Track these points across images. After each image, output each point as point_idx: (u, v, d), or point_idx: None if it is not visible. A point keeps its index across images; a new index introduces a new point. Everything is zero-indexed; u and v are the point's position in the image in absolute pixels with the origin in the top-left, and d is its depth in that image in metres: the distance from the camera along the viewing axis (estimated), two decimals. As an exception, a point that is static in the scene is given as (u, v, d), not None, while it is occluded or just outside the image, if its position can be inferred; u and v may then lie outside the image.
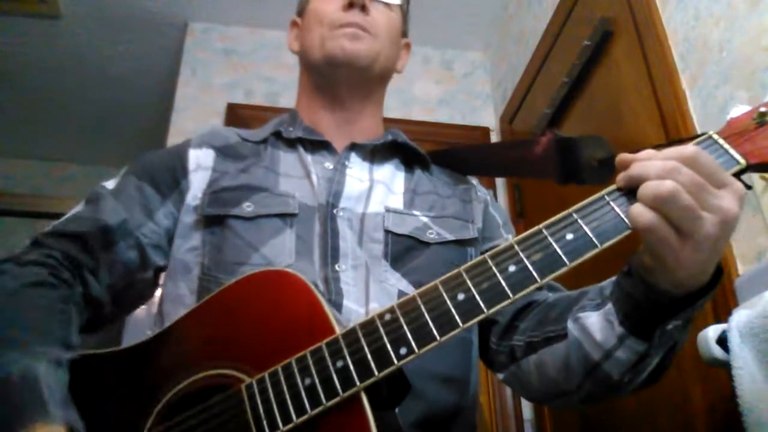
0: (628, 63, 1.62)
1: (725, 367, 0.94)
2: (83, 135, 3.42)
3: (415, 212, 0.91)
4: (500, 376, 0.87)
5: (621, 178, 0.60)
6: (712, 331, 0.99)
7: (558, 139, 0.86)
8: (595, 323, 0.68)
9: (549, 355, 0.75)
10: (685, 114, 1.35)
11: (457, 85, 2.76)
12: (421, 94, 2.68)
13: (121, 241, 0.84)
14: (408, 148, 1.02)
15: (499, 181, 2.44)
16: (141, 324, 1.75)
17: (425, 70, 2.75)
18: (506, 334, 0.85)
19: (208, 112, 2.44)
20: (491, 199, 1.04)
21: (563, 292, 0.85)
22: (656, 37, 1.49)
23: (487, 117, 2.68)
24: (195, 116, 2.42)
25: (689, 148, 0.58)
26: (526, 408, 2.08)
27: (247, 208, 0.85)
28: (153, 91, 3.04)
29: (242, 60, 2.64)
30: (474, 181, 1.06)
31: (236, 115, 2.38)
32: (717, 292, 1.15)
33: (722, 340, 0.96)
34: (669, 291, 0.60)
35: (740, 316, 0.93)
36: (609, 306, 0.67)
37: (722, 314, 1.09)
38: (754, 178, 1.11)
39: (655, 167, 0.57)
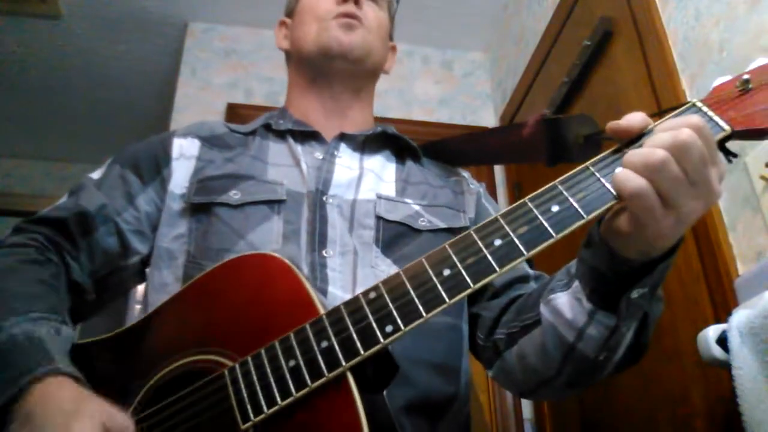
0: (628, 63, 1.62)
1: (725, 367, 0.94)
2: (83, 135, 3.42)
3: (407, 200, 0.91)
4: (490, 373, 0.87)
5: (646, 147, 0.57)
6: (712, 331, 0.99)
7: (545, 120, 0.86)
8: (565, 303, 0.68)
9: (527, 343, 0.76)
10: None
11: (457, 85, 2.76)
12: (421, 94, 2.68)
13: (101, 226, 0.85)
14: (398, 140, 1.03)
15: (499, 181, 2.44)
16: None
17: (425, 70, 2.75)
18: (491, 329, 0.85)
19: (208, 112, 2.44)
20: (484, 192, 1.04)
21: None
22: (656, 37, 1.49)
23: (487, 117, 2.68)
24: (195, 116, 2.42)
25: (695, 119, 0.57)
26: (526, 407, 2.08)
27: (234, 195, 0.85)
28: (153, 91, 3.04)
29: (242, 60, 2.64)
30: (465, 173, 1.06)
31: (236, 115, 2.38)
32: (717, 292, 1.17)
33: (722, 340, 0.96)
34: (632, 259, 0.60)
35: (740, 316, 0.93)
36: (576, 284, 0.67)
37: (722, 314, 1.09)
38: (754, 178, 1.11)
39: (675, 138, 0.55)
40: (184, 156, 0.92)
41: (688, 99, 1.36)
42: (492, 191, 2.33)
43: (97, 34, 2.75)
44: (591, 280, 0.64)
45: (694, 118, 0.57)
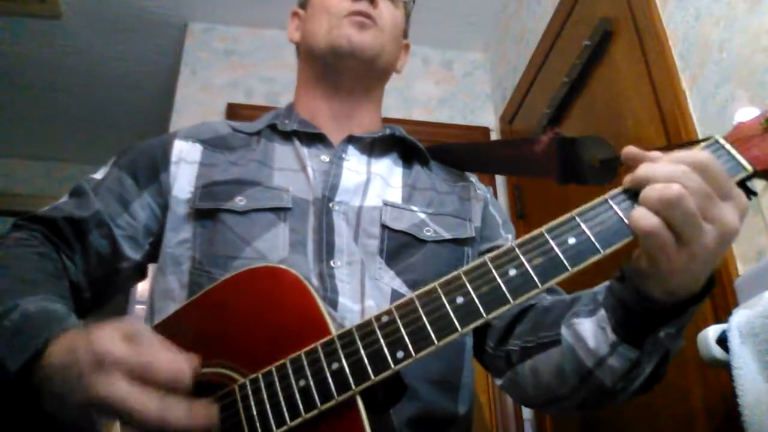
0: (628, 63, 1.62)
1: (725, 367, 0.94)
2: (83, 135, 3.42)
3: (413, 207, 0.90)
4: (498, 382, 0.86)
5: (628, 179, 0.59)
6: (712, 331, 0.99)
7: (560, 139, 0.85)
8: (588, 330, 0.68)
9: (543, 360, 0.75)
10: (685, 114, 1.35)
11: (457, 85, 2.76)
12: (421, 94, 2.68)
13: (94, 230, 0.84)
14: (407, 142, 1.01)
15: (499, 181, 2.44)
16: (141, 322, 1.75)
17: (425, 70, 2.75)
18: (503, 339, 0.84)
19: (208, 112, 2.44)
20: (491, 198, 1.03)
21: (560, 296, 0.84)
22: (656, 37, 1.49)
23: (487, 117, 2.68)
24: (195, 116, 2.42)
25: (701, 155, 0.57)
26: (526, 408, 2.08)
27: (240, 202, 0.84)
28: (153, 91, 3.04)
29: (242, 60, 2.64)
30: (473, 178, 1.05)
31: (236, 115, 2.38)
32: (717, 292, 1.17)
33: (722, 340, 0.96)
34: (661, 299, 0.59)
35: (740, 316, 0.93)
36: (602, 312, 0.66)
37: (722, 314, 1.09)
38: (754, 178, 1.11)
39: (664, 170, 0.56)
40: (185, 161, 0.91)
41: (688, 99, 1.37)
42: (492, 192, 2.33)
43: (97, 34, 2.75)
44: (618, 313, 0.64)
45: (700, 155, 0.56)
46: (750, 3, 1.22)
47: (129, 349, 0.55)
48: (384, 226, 0.86)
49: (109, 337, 0.56)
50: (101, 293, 0.87)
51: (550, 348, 0.74)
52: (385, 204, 0.89)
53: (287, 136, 0.96)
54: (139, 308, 2.09)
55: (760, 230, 1.12)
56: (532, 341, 0.77)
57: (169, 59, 2.80)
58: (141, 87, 3.04)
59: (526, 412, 2.08)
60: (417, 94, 2.68)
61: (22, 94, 3.10)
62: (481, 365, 0.90)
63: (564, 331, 0.72)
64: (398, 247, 0.85)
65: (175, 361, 0.56)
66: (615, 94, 1.68)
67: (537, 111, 2.16)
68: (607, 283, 0.68)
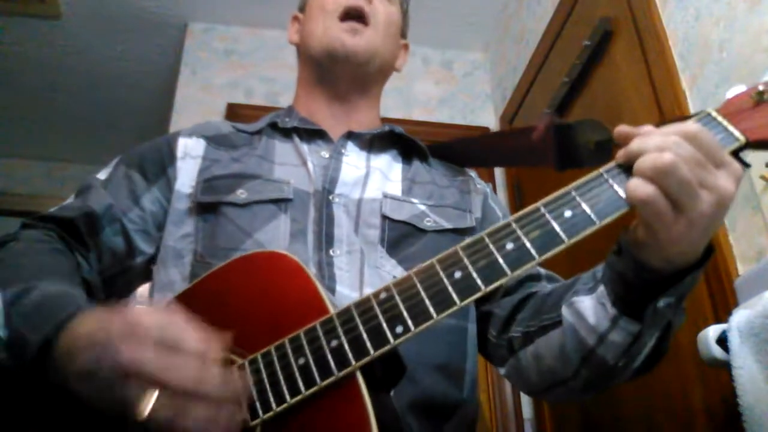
0: (628, 63, 1.62)
1: (725, 367, 0.94)
2: (83, 135, 3.42)
3: (413, 200, 0.91)
4: (501, 370, 0.87)
5: (621, 154, 0.60)
6: (712, 331, 0.99)
7: (555, 125, 0.86)
8: (589, 307, 0.68)
9: (545, 343, 0.75)
10: (685, 114, 1.35)
11: (457, 85, 2.76)
12: (421, 94, 2.68)
13: (107, 227, 0.85)
14: (406, 139, 1.02)
15: (499, 180, 2.44)
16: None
17: (425, 70, 2.75)
18: (505, 327, 0.85)
19: (208, 112, 2.44)
20: (491, 192, 1.04)
21: (561, 282, 0.85)
22: (656, 37, 1.49)
23: (487, 117, 2.68)
24: (195, 116, 2.42)
25: (692, 125, 0.58)
26: (526, 407, 2.08)
27: (241, 195, 0.85)
28: (153, 91, 3.04)
29: (242, 60, 2.64)
30: (472, 173, 1.06)
31: (236, 115, 2.38)
32: (717, 292, 1.17)
33: (722, 340, 0.96)
34: (659, 268, 0.60)
35: (740, 316, 0.93)
36: (601, 288, 0.67)
37: (722, 314, 1.09)
38: (754, 178, 1.11)
39: (655, 141, 0.57)
40: (190, 155, 0.92)
41: (688, 99, 1.37)
42: (492, 188, 2.33)
43: (97, 34, 2.75)
44: (617, 287, 0.64)
45: (690, 126, 0.58)
46: (750, 3, 1.22)
47: (160, 320, 0.55)
48: (384, 217, 0.87)
49: (140, 310, 0.56)
50: (113, 292, 0.88)
51: (551, 330, 0.74)
52: (385, 196, 0.90)
53: (287, 133, 0.98)
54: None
55: (760, 230, 1.12)
56: (534, 325, 0.78)
57: (169, 59, 2.80)
58: (141, 87, 3.04)
59: (526, 412, 2.08)
60: (417, 94, 2.68)
61: (22, 94, 3.10)
62: (484, 356, 0.91)
63: (564, 311, 0.72)
64: (399, 236, 0.86)
65: (204, 336, 0.56)
66: (615, 94, 1.68)
67: (537, 111, 2.16)
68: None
